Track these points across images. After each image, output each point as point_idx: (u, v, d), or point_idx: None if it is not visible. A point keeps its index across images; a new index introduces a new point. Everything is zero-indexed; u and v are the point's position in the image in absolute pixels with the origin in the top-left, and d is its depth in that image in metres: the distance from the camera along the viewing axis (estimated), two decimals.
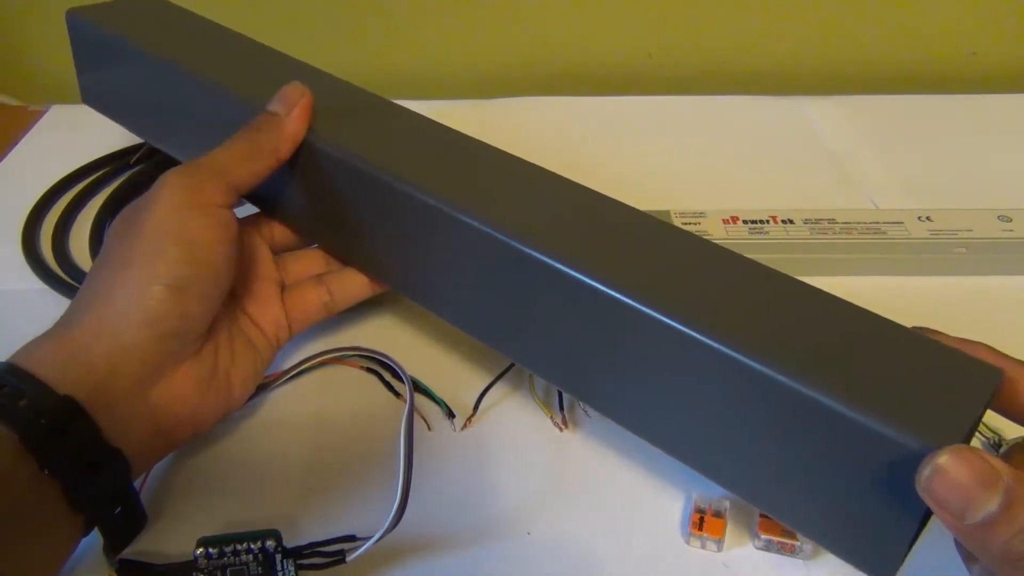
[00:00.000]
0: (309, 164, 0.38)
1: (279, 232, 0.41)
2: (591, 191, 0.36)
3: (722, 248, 0.33)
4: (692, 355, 0.29)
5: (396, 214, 0.36)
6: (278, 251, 0.41)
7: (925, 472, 0.23)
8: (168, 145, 0.50)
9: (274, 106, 0.37)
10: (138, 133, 0.52)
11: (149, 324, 0.31)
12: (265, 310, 0.38)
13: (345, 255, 0.41)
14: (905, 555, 0.26)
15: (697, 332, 0.28)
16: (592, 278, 0.30)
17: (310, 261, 0.41)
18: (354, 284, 0.40)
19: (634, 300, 0.29)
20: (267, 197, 0.41)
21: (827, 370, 0.27)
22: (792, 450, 0.28)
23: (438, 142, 0.39)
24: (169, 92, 0.46)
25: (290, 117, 0.37)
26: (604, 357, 0.32)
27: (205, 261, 0.32)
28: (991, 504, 0.22)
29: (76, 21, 0.49)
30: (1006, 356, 0.28)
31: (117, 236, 0.33)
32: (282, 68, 0.45)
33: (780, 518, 0.30)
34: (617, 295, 0.30)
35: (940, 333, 0.29)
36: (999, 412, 0.28)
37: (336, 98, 0.41)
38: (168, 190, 0.33)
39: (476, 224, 0.33)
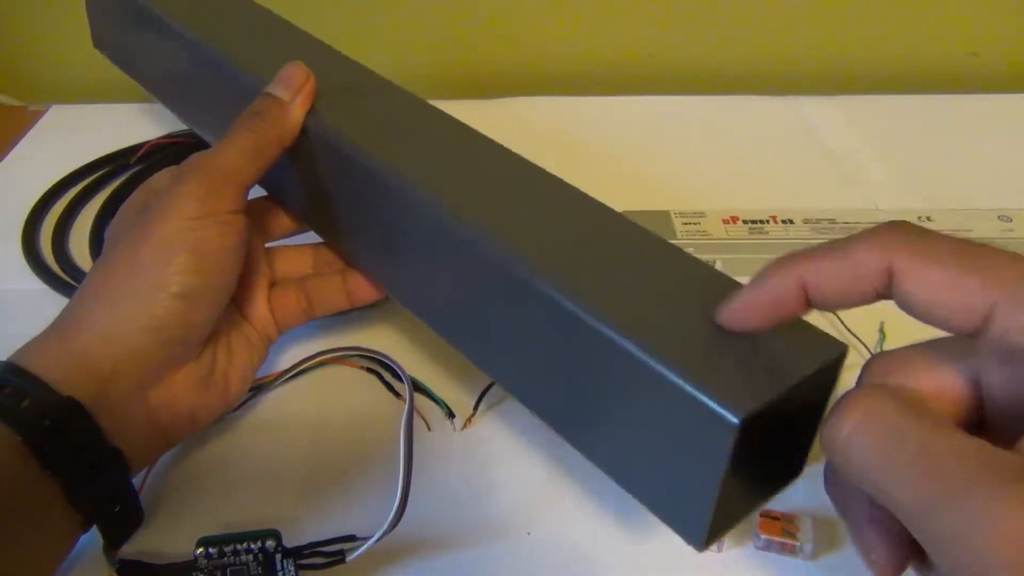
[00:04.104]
0: (300, 145, 0.37)
1: (275, 223, 0.40)
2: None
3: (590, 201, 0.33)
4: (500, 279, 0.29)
5: (373, 200, 0.35)
6: (273, 240, 0.40)
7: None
8: (174, 107, 0.50)
9: (277, 89, 0.35)
10: (147, 89, 0.52)
11: (155, 330, 0.31)
12: (255, 308, 0.38)
13: (331, 240, 0.40)
14: (714, 516, 0.25)
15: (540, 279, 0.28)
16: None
17: (298, 259, 0.40)
18: (332, 294, 0.39)
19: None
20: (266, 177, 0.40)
21: (639, 317, 0.26)
22: (600, 390, 0.27)
23: (426, 128, 0.37)
24: (176, 57, 0.45)
25: (294, 104, 0.35)
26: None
27: (216, 270, 0.32)
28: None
29: None
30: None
31: (122, 238, 0.32)
32: (289, 42, 0.44)
33: (603, 468, 0.29)
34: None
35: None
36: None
37: (332, 75, 0.39)
38: (182, 200, 0.31)
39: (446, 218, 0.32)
